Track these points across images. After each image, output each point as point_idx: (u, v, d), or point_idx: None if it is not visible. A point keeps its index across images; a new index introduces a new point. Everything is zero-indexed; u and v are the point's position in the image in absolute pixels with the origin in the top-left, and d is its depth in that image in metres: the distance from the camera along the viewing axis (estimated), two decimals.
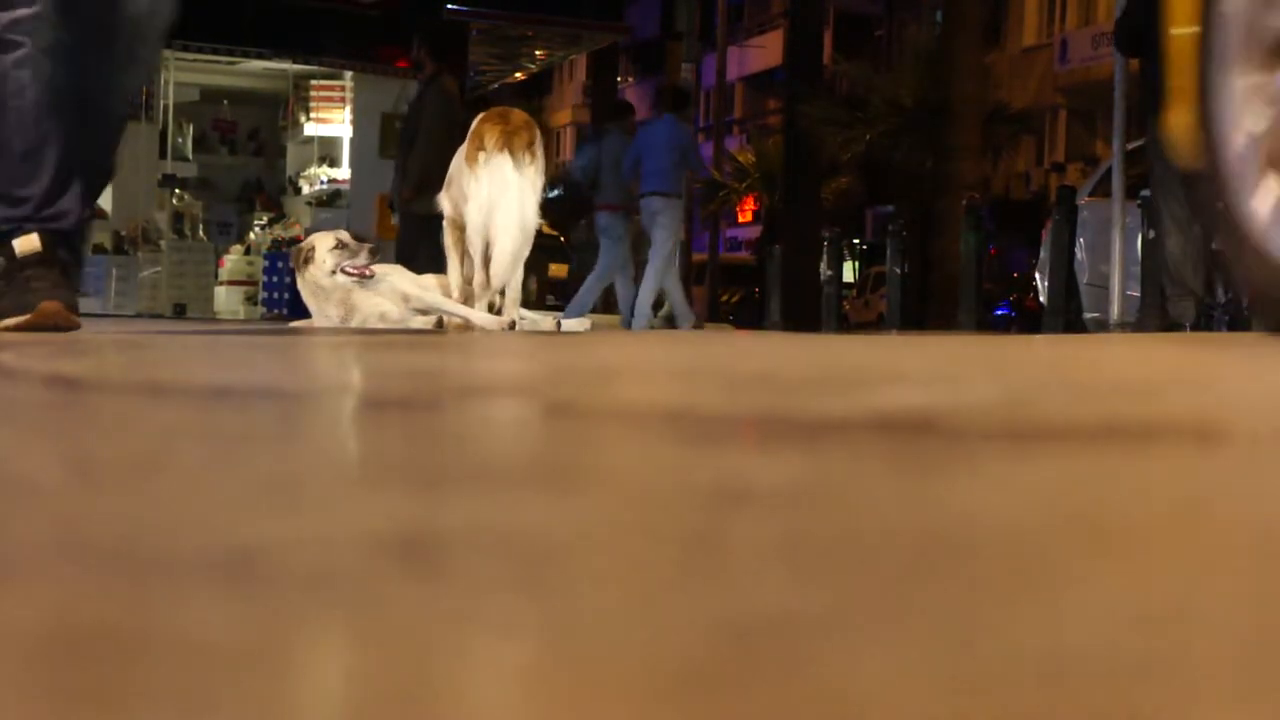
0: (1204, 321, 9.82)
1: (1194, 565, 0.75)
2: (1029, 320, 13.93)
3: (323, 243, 8.17)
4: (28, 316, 4.86)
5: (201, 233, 17.73)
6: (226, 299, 16.74)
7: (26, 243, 5.05)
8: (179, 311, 16.76)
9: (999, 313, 14.29)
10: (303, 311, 8.41)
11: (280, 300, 14.01)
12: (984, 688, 0.53)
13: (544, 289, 24.43)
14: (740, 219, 43.63)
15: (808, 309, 19.86)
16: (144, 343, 4.15)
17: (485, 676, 0.56)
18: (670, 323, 13.77)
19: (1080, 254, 13.16)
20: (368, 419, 1.67)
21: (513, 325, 7.69)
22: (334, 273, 8.04)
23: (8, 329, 4.81)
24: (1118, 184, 11.22)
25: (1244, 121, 3.06)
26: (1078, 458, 1.18)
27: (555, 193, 20.70)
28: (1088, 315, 12.90)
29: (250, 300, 16.45)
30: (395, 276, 8.24)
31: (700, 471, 1.10)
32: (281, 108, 18.39)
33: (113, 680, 0.55)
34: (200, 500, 0.97)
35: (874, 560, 0.77)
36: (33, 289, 4.95)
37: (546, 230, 18.04)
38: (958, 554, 0.78)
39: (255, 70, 17.65)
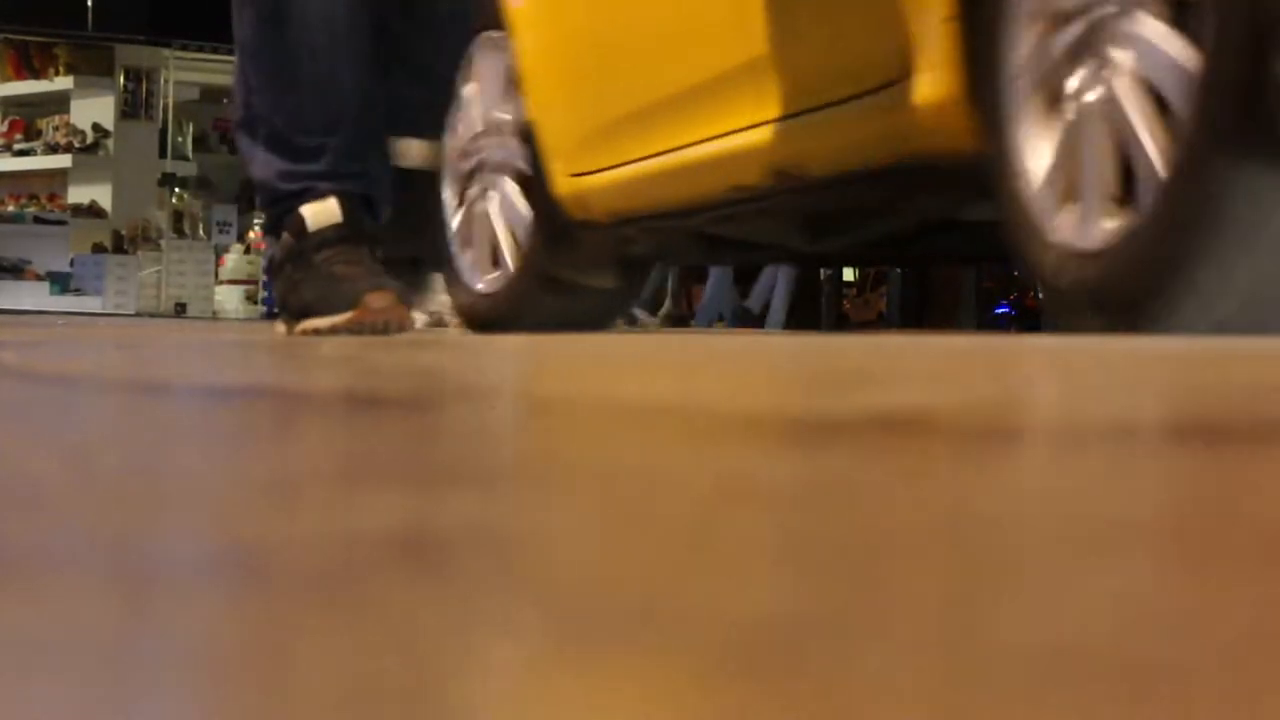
0: None
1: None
2: (1029, 319, 13.95)
3: None
4: (347, 316, 3.59)
5: (201, 231, 17.72)
6: (227, 298, 16.73)
7: (322, 212, 3.65)
8: (179, 310, 16.76)
9: (999, 311, 14.29)
10: None
11: None
12: (980, 683, 0.53)
13: None
14: None
15: (808, 308, 19.82)
16: (142, 341, 4.15)
17: (487, 676, 0.56)
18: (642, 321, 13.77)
19: None
20: (368, 418, 1.67)
21: None
22: None
23: (318, 332, 3.63)
24: None
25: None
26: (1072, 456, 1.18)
27: None
28: None
29: (251, 299, 16.44)
30: None
31: (700, 470, 1.10)
32: None
33: (114, 685, 0.55)
34: (199, 501, 0.97)
35: (874, 558, 0.77)
36: (341, 276, 3.62)
37: None
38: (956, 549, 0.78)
39: None
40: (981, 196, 3.03)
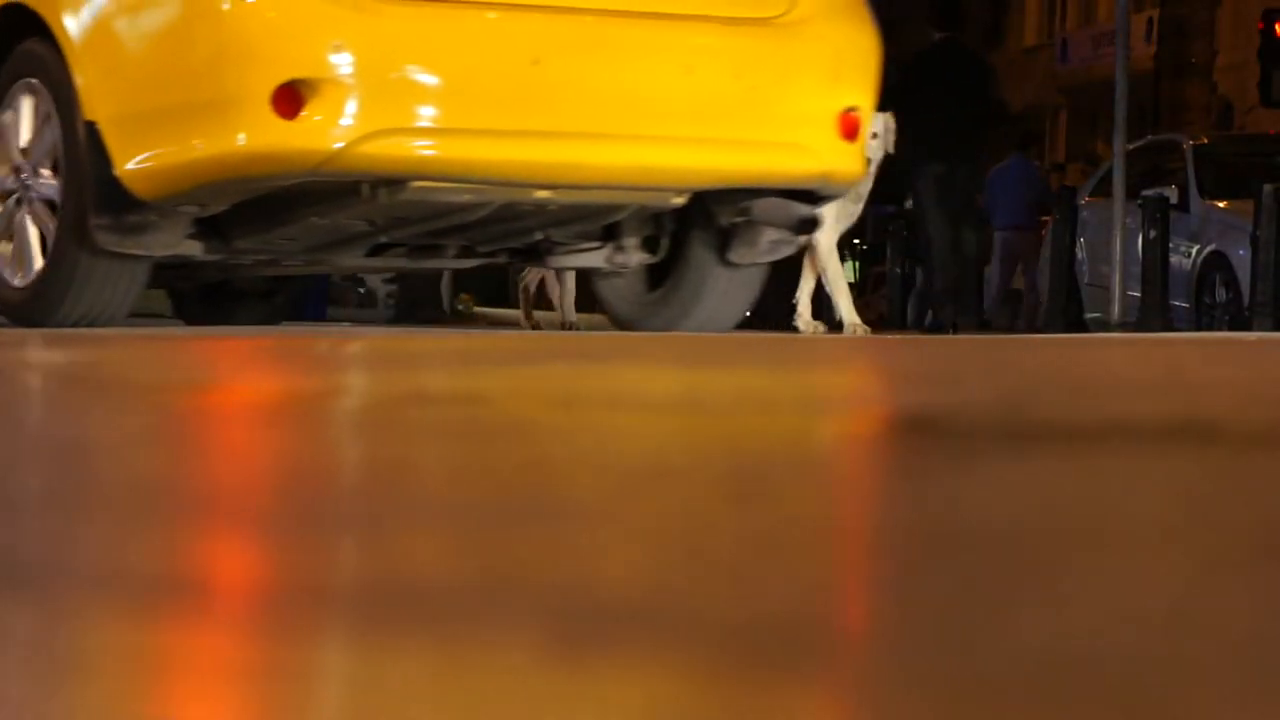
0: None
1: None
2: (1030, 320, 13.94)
3: None
4: None
5: None
6: None
7: None
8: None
9: None
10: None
11: None
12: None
13: None
14: None
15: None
16: (130, 340, 4.14)
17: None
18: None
19: (1080, 254, 13.17)
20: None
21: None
22: None
23: None
24: (1118, 184, 11.21)
25: None
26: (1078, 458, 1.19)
27: None
28: (1088, 315, 12.90)
29: None
30: None
31: (706, 464, 1.10)
32: None
33: (118, 692, 0.56)
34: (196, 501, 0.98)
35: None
36: None
37: None
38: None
39: None
40: None
